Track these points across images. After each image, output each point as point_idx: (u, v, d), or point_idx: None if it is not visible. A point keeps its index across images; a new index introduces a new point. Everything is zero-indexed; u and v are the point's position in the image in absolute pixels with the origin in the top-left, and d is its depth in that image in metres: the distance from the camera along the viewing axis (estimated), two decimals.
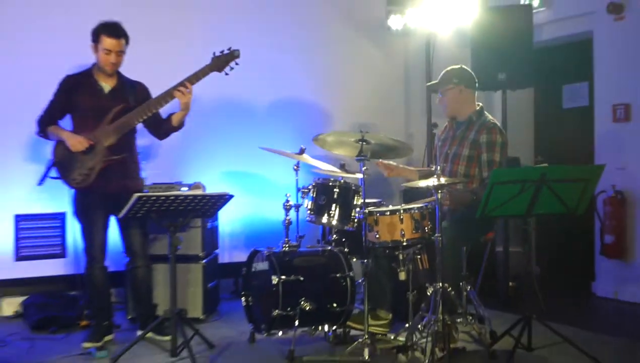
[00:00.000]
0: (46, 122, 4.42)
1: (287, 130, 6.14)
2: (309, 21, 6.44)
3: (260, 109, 6.19)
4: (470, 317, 4.29)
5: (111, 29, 4.34)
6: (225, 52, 4.44)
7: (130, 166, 4.55)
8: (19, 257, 5.31)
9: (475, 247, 4.76)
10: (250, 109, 6.13)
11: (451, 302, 3.99)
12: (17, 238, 5.31)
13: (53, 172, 4.38)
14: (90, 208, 4.40)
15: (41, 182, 4.42)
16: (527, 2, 6.25)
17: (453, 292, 3.99)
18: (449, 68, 4.49)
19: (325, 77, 6.53)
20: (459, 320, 4.16)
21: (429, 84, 4.65)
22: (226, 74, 4.46)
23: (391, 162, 4.60)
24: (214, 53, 4.44)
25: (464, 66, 4.52)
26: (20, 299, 5.29)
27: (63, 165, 4.35)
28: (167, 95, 4.37)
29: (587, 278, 6.04)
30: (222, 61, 4.43)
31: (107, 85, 4.46)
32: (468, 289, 4.31)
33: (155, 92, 4.52)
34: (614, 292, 5.76)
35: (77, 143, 4.27)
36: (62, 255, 5.47)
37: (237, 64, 4.46)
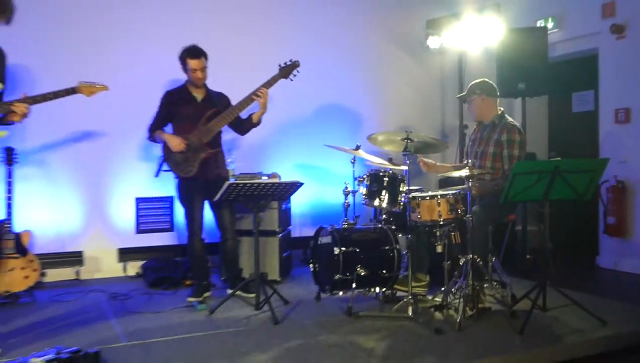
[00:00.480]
0: (153, 130, 4.49)
1: (345, 131, 6.14)
2: (363, 43, 6.40)
3: (324, 113, 6.18)
4: (495, 283, 4.23)
5: (192, 52, 4.38)
6: (288, 62, 4.48)
7: (221, 158, 4.59)
8: (139, 231, 5.45)
9: (499, 226, 4.68)
10: (317, 114, 6.13)
11: (479, 271, 3.94)
12: (138, 216, 5.45)
13: (165, 166, 4.46)
14: (192, 193, 4.45)
15: (157, 174, 4.48)
16: (542, 25, 6.10)
17: (481, 262, 3.95)
18: (473, 82, 4.43)
19: (376, 88, 6.49)
20: (485, 285, 4.10)
21: (458, 95, 4.58)
22: (291, 80, 4.49)
23: (430, 160, 4.56)
24: (279, 64, 4.47)
25: (485, 79, 4.44)
26: (140, 263, 5.41)
27: (172, 160, 4.41)
28: (248, 99, 4.40)
29: (592, 253, 5.88)
30: (287, 70, 4.47)
31: (199, 95, 4.51)
32: (493, 260, 4.25)
33: (234, 95, 4.55)
34: (615, 264, 5.61)
35: (175, 144, 4.32)
36: (170, 229, 5.59)
37: (298, 72, 4.48)
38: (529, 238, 5.54)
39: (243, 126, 4.62)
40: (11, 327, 3.77)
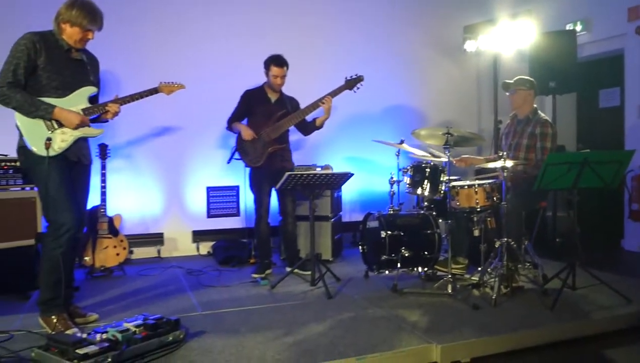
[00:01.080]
0: (231, 121, 4.55)
1: (390, 127, 6.06)
2: (407, 48, 6.30)
3: (372, 111, 6.12)
4: (528, 264, 4.13)
5: (277, 61, 4.41)
6: (354, 76, 4.44)
7: (286, 153, 4.62)
8: (210, 215, 5.52)
9: (531, 212, 4.56)
10: (365, 112, 6.06)
11: (513, 253, 3.85)
12: (208, 203, 5.52)
13: (236, 155, 4.53)
14: (261, 181, 4.50)
15: (229, 161, 4.58)
16: (572, 28, 5.89)
17: (515, 245, 3.85)
18: (523, 76, 4.33)
19: (418, 88, 6.38)
20: (519, 265, 4.00)
21: (505, 80, 4.40)
22: (354, 92, 4.46)
23: (463, 156, 4.48)
24: (346, 77, 4.44)
25: (532, 79, 4.33)
26: (211, 243, 5.50)
27: (243, 150, 4.49)
28: (314, 105, 4.40)
29: (617, 237, 5.68)
30: (352, 83, 4.43)
31: (273, 97, 4.55)
32: (526, 243, 4.14)
33: (303, 101, 4.57)
34: (638, 246, 5.41)
35: (247, 134, 4.40)
36: (237, 214, 5.64)
37: (362, 85, 4.45)
38: (559, 224, 5.37)
39: (307, 128, 4.64)
40: (106, 296, 3.92)
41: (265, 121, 4.43)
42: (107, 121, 3.37)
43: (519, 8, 5.93)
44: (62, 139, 3.09)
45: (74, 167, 3.20)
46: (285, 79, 4.48)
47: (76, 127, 3.10)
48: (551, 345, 3.12)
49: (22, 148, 3.06)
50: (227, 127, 4.60)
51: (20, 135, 3.05)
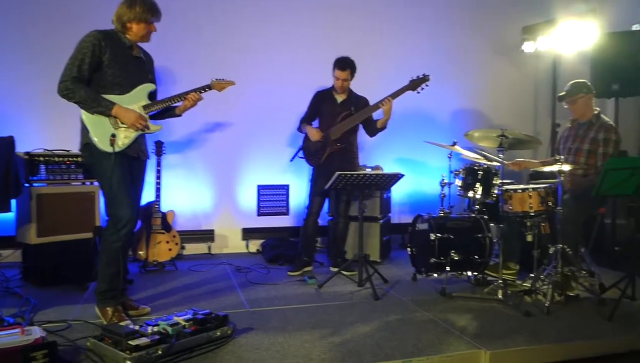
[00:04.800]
0: (302, 122, 4.63)
1: (443, 128, 5.99)
2: (461, 49, 6.18)
3: (424, 113, 6.03)
4: (584, 272, 3.97)
5: (340, 64, 4.44)
6: (420, 76, 4.35)
7: (348, 153, 4.58)
8: (260, 213, 5.56)
9: (589, 219, 4.39)
10: (417, 113, 5.99)
11: (568, 259, 3.72)
12: (259, 201, 5.56)
13: (300, 153, 4.60)
14: (317, 179, 4.52)
15: (292, 159, 4.68)
16: (638, 29, 5.62)
17: (570, 252, 3.72)
18: (575, 81, 4.16)
19: (473, 90, 6.24)
20: (576, 273, 3.85)
21: (560, 94, 4.26)
22: (418, 92, 4.36)
23: (517, 159, 4.36)
24: (412, 77, 4.36)
25: (585, 80, 4.17)
26: (260, 241, 5.55)
27: (307, 149, 4.56)
28: (374, 107, 4.39)
29: None
30: (417, 83, 4.34)
31: (339, 97, 4.57)
32: (582, 250, 3.99)
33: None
34: None
35: (313, 135, 4.47)
36: (286, 213, 5.67)
37: (427, 85, 4.35)
38: (618, 231, 5.14)
39: (371, 128, 4.60)
40: (158, 290, 4.03)
41: (330, 121, 4.49)
42: (173, 117, 3.51)
43: (582, 8, 5.72)
44: (125, 136, 3.20)
45: (132, 162, 3.31)
46: (348, 82, 4.50)
47: (132, 124, 3.20)
48: (607, 357, 3.01)
49: (87, 144, 3.16)
50: (298, 128, 4.68)
51: (86, 132, 3.15)
